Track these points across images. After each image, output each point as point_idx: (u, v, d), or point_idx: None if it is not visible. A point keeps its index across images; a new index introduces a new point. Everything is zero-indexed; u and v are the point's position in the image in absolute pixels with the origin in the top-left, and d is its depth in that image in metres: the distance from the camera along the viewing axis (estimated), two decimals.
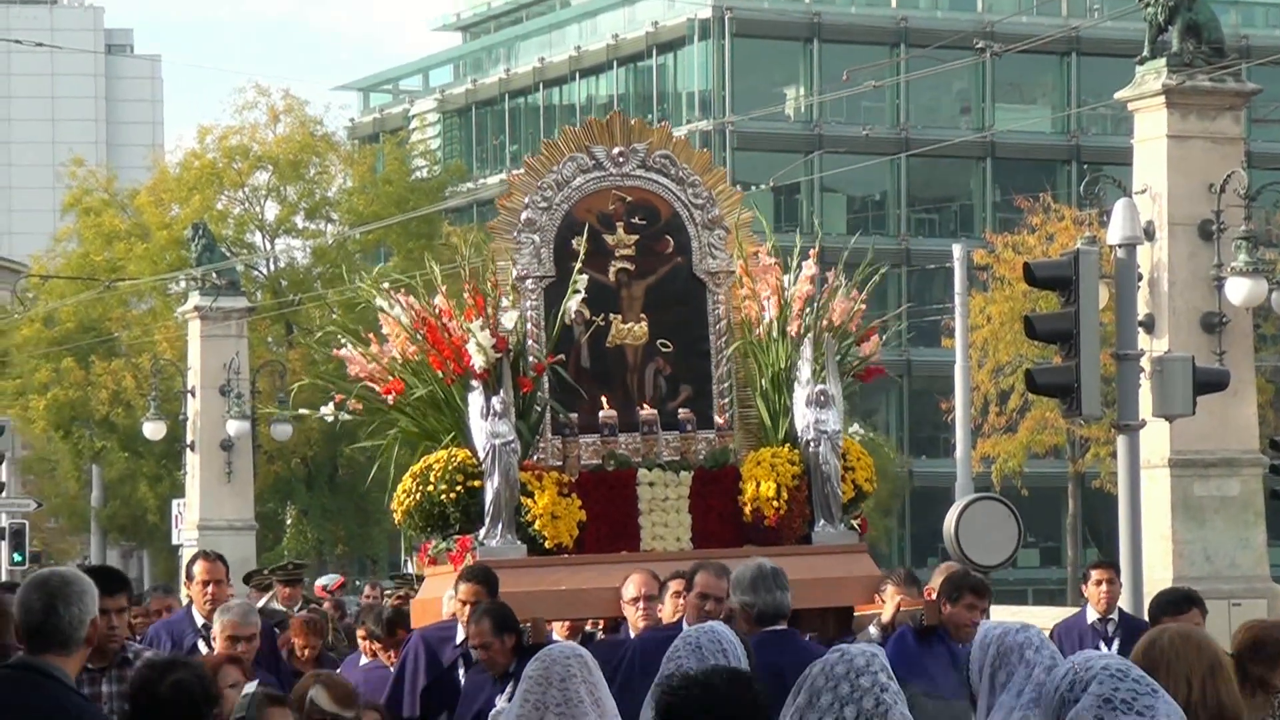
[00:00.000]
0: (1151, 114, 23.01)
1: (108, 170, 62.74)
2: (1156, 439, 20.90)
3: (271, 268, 55.13)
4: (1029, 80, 67.99)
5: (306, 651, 12.97)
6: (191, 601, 12.05)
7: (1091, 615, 13.80)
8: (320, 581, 20.83)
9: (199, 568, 12.01)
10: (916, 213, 66.43)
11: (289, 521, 53.75)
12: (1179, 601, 10.51)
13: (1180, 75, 22.67)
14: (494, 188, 67.75)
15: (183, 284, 45.58)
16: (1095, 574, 13.88)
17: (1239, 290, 22.34)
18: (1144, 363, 17.43)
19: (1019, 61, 57.24)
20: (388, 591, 20.00)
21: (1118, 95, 24.12)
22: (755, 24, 65.27)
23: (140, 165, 75.64)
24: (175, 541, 40.80)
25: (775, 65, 65.84)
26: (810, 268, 12.66)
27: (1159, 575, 20.00)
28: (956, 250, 36.81)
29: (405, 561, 40.12)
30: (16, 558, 39.88)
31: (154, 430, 42.90)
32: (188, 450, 38.75)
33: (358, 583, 50.08)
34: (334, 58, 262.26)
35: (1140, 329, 19.21)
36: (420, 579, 18.10)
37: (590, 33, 69.77)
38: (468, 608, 10.72)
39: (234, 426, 37.24)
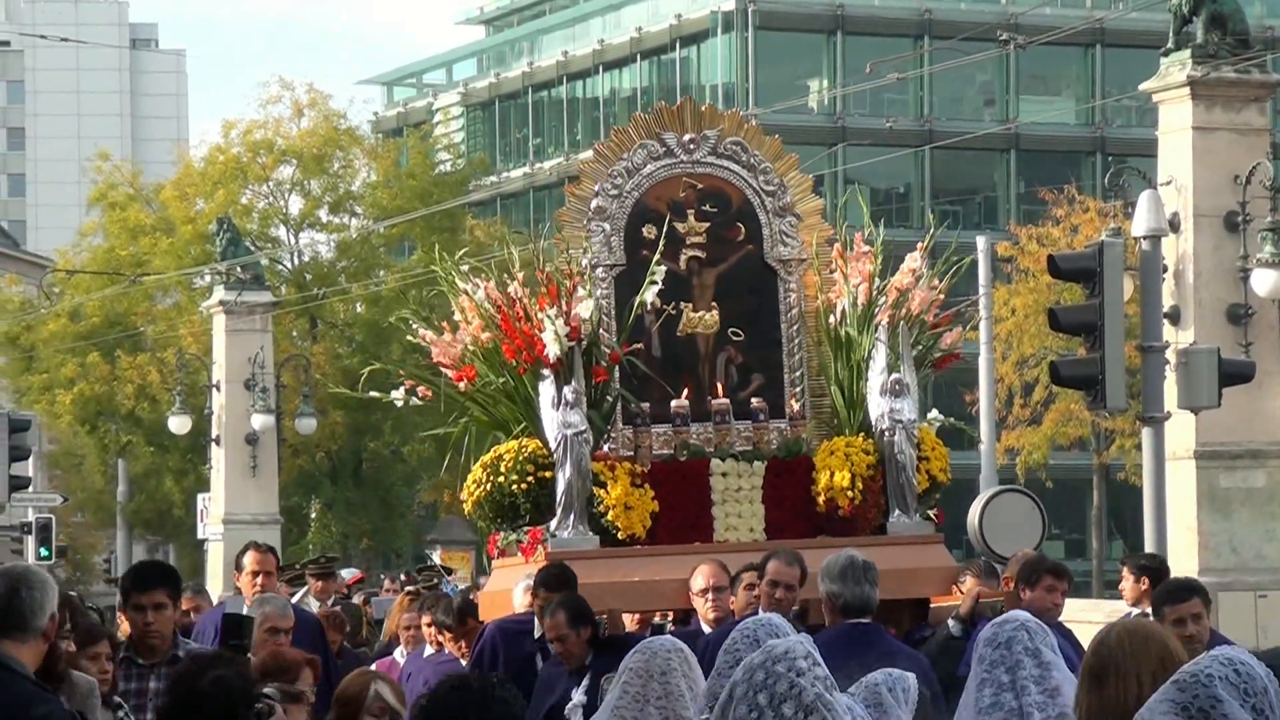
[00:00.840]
0: (1176, 105, 22.95)
1: (133, 165, 62.83)
2: (1182, 431, 20.86)
3: (296, 262, 55.17)
4: (1053, 72, 67.84)
5: (331, 645, 12.78)
6: (240, 592, 11.83)
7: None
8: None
9: (249, 558, 11.84)
10: (940, 205, 66.29)
11: (313, 516, 53.78)
12: (1178, 590, 10.38)
13: (1205, 67, 22.61)
14: (517, 181, 67.82)
15: (207, 278, 45.64)
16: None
17: (1265, 282, 22.27)
18: (1169, 355, 17.41)
19: (1043, 53, 57.14)
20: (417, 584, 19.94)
21: (1142, 87, 24.07)
22: (778, 16, 65.18)
23: (165, 160, 75.73)
24: (200, 536, 40.85)
25: (798, 58, 65.75)
26: (915, 259, 12.49)
27: (1185, 567, 19.94)
28: (980, 242, 36.73)
29: (428, 555, 40.17)
30: (43, 552, 39.94)
31: (179, 425, 42.96)
32: (213, 444, 38.80)
33: (381, 576, 50.17)
34: (358, 52, 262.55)
35: (1165, 321, 19.17)
36: (448, 570, 18.15)
37: (613, 26, 69.73)
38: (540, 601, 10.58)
39: (259, 421, 37.30)
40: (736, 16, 64.52)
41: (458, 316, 12.40)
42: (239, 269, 38.75)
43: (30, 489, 35.03)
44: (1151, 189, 19.98)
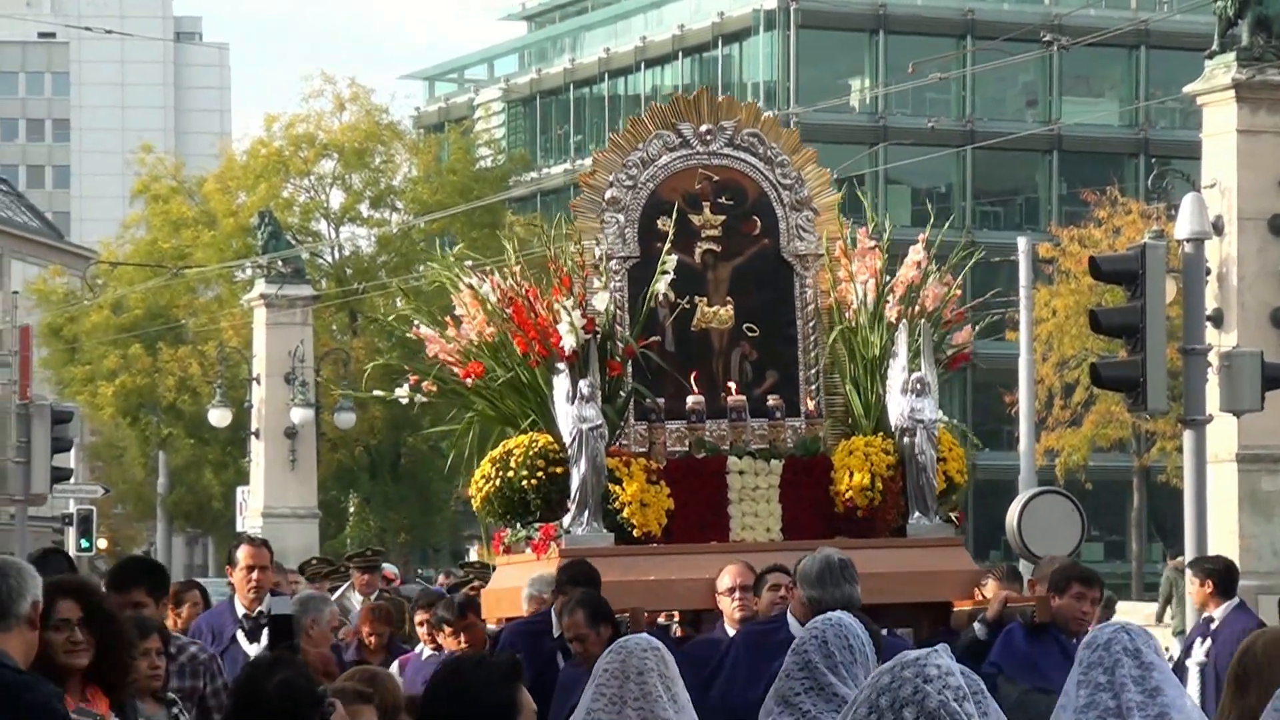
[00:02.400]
0: (1221, 108, 22.89)
1: (176, 157, 63.03)
2: (1224, 434, 20.78)
3: (336, 256, 55.30)
4: (1096, 73, 67.62)
5: (374, 639, 12.67)
6: (235, 592, 11.31)
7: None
8: None
9: (242, 552, 11.21)
10: (981, 205, 66.17)
11: (351, 510, 53.89)
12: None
13: (1250, 69, 22.55)
14: (558, 177, 67.80)
15: (248, 271, 45.76)
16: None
17: None
18: (1211, 357, 17.34)
19: (1086, 54, 56.93)
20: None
21: (1186, 89, 24.00)
22: (821, 15, 65.08)
23: (208, 153, 75.99)
24: (239, 529, 40.95)
25: (840, 56, 65.66)
26: (918, 253, 12.27)
27: None
28: (1022, 243, 36.67)
29: (467, 551, 40.21)
30: (84, 544, 40.07)
31: (219, 417, 43.07)
32: (252, 437, 38.88)
33: (419, 571, 50.24)
34: (400, 47, 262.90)
35: (1208, 324, 19.11)
36: (489, 567, 18.01)
37: (656, 23, 69.71)
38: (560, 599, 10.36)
39: (298, 414, 37.36)
40: (779, 14, 64.44)
41: (460, 311, 12.16)
42: (280, 263, 38.83)
43: (72, 480, 35.07)
44: (1195, 191, 19.91)
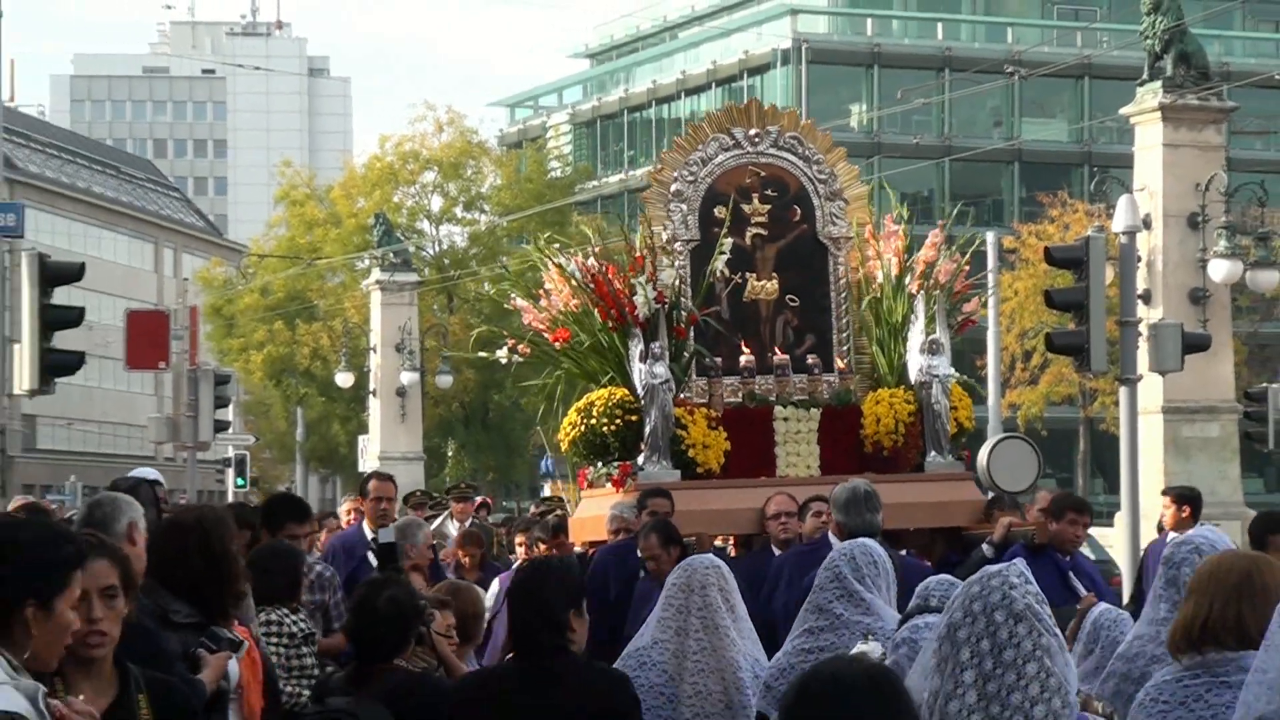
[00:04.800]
0: (1150, 126, 22.75)
1: (309, 170, 63.12)
2: (1152, 390, 20.67)
3: (436, 249, 55.33)
4: (1049, 98, 67.16)
5: (468, 560, 12.55)
6: (365, 517, 11.06)
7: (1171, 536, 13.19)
8: None
9: (372, 485, 10.97)
10: (957, 206, 65.89)
11: (450, 454, 54.00)
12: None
13: (1173, 95, 22.41)
14: (614, 185, 67.69)
15: (367, 262, 45.82)
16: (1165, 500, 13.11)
17: (1220, 270, 22.09)
18: (1142, 328, 17.20)
19: (1041, 83, 56.57)
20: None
21: (1122, 111, 23.86)
22: (826, 52, 64.83)
23: (334, 166, 76.04)
24: (361, 469, 41.10)
25: (843, 86, 65.38)
26: (937, 236, 12.15)
27: (1153, 502, 19.77)
28: (990, 237, 36.43)
29: (543, 487, 40.24)
30: (239, 482, 40.31)
31: (344, 380, 43.16)
32: (371, 396, 38.95)
33: (504, 504, 50.32)
34: (488, 80, 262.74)
35: (1139, 301, 18.98)
36: (562, 500, 17.97)
37: (694, 60, 69.49)
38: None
39: (406, 377, 37.42)
40: (793, 53, 64.23)
41: (549, 286, 12.05)
42: (392, 255, 38.86)
43: (229, 431, 35.26)
44: (1129, 194, 19.76)
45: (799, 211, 12.26)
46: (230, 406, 29.94)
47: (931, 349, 11.59)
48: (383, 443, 37.56)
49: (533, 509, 21.65)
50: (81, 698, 4.09)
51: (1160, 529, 13.01)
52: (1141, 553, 13.50)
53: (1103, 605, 6.56)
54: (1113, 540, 18.18)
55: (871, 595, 6.04)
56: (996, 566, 3.85)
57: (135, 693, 4.53)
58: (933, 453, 11.70)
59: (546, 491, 30.43)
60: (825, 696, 3.19)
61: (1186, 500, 12.30)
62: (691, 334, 11.84)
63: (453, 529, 15.87)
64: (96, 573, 4.52)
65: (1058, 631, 3.76)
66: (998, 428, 32.95)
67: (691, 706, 6.33)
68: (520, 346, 12.28)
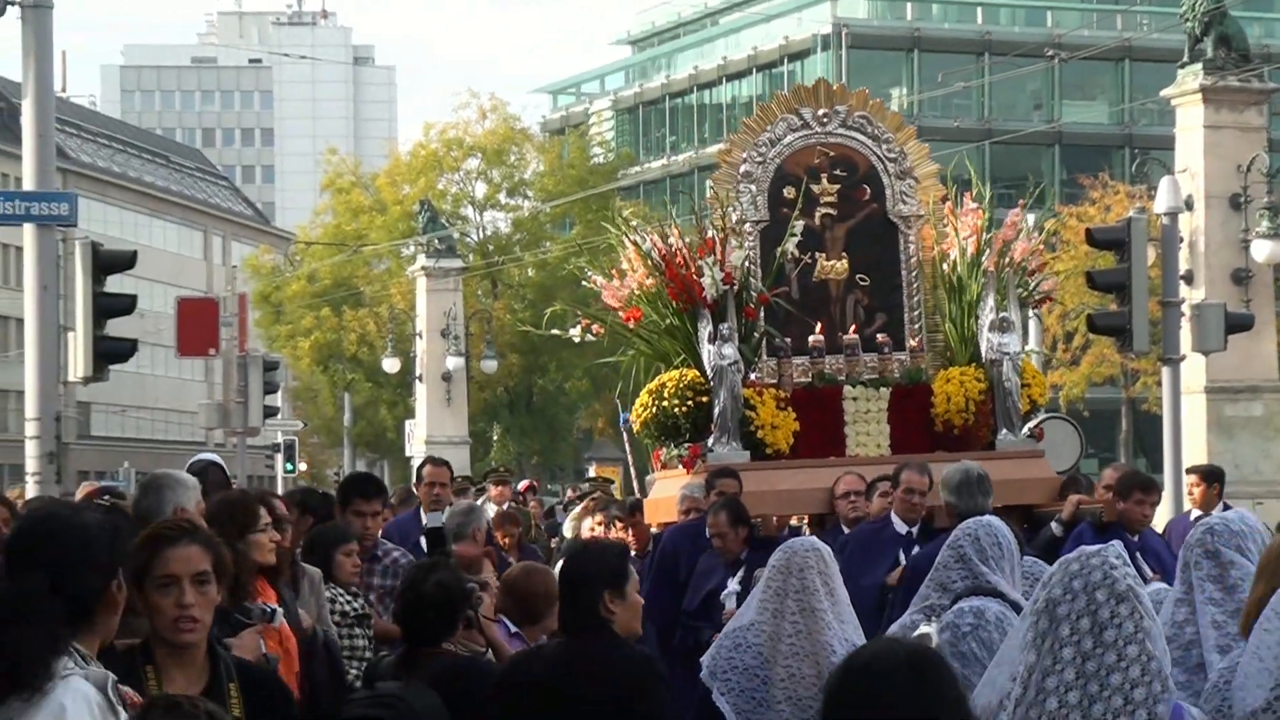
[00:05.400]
0: (1191, 108, 22.60)
1: (355, 158, 63.25)
2: (1195, 370, 20.56)
3: (480, 235, 55.39)
4: (1090, 81, 66.76)
5: (507, 540, 12.42)
6: (421, 503, 11.06)
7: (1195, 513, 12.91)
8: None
9: (425, 471, 11.06)
10: (998, 189, 65.46)
11: (495, 438, 54.09)
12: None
13: (1214, 77, 22.25)
14: (656, 170, 67.59)
15: (412, 248, 45.92)
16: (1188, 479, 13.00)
17: (1262, 250, 21.95)
18: (1185, 309, 17.10)
19: (1082, 66, 56.20)
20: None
21: (1163, 93, 23.70)
22: (867, 37, 64.54)
23: (379, 154, 76.20)
24: (407, 454, 41.19)
25: (883, 70, 65.09)
26: (1016, 215, 11.94)
27: None
28: (1030, 219, 36.24)
29: (586, 469, 40.27)
30: (288, 467, 40.42)
31: (391, 365, 43.27)
32: (417, 381, 39.00)
33: (549, 486, 50.39)
34: (531, 66, 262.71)
35: (1182, 281, 18.88)
36: (606, 482, 17.94)
37: (735, 45, 69.30)
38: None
39: (452, 362, 37.47)
40: (833, 38, 63.96)
41: (624, 265, 11.91)
42: (436, 241, 38.91)
43: (278, 416, 35.37)
44: (1170, 176, 19.66)
45: (868, 191, 12.08)
46: (279, 392, 30.06)
47: (1002, 326, 11.43)
48: (429, 427, 37.62)
49: (570, 492, 21.70)
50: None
51: (1181, 507, 12.88)
52: (1163, 530, 13.40)
53: (1155, 585, 6.46)
54: (1155, 519, 18.04)
55: (998, 576, 5.96)
56: (1094, 547, 3.82)
57: (226, 680, 4.53)
58: (1004, 430, 11.52)
59: (592, 472, 30.52)
60: (865, 678, 3.21)
61: (1215, 478, 12.20)
62: (761, 315, 11.69)
63: (491, 510, 15.87)
64: (188, 558, 4.49)
65: (1156, 616, 3.73)
66: (1039, 408, 32.80)
67: (784, 689, 6.26)
68: (595, 326, 12.17)
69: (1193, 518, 12.84)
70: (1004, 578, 5.98)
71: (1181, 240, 19.27)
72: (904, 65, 65.21)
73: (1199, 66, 22.39)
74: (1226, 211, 22.24)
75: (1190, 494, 12.80)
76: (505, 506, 15.79)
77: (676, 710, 5.94)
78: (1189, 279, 21.15)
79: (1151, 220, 19.91)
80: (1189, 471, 13.26)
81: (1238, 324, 17.39)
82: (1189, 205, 21.22)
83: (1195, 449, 20.80)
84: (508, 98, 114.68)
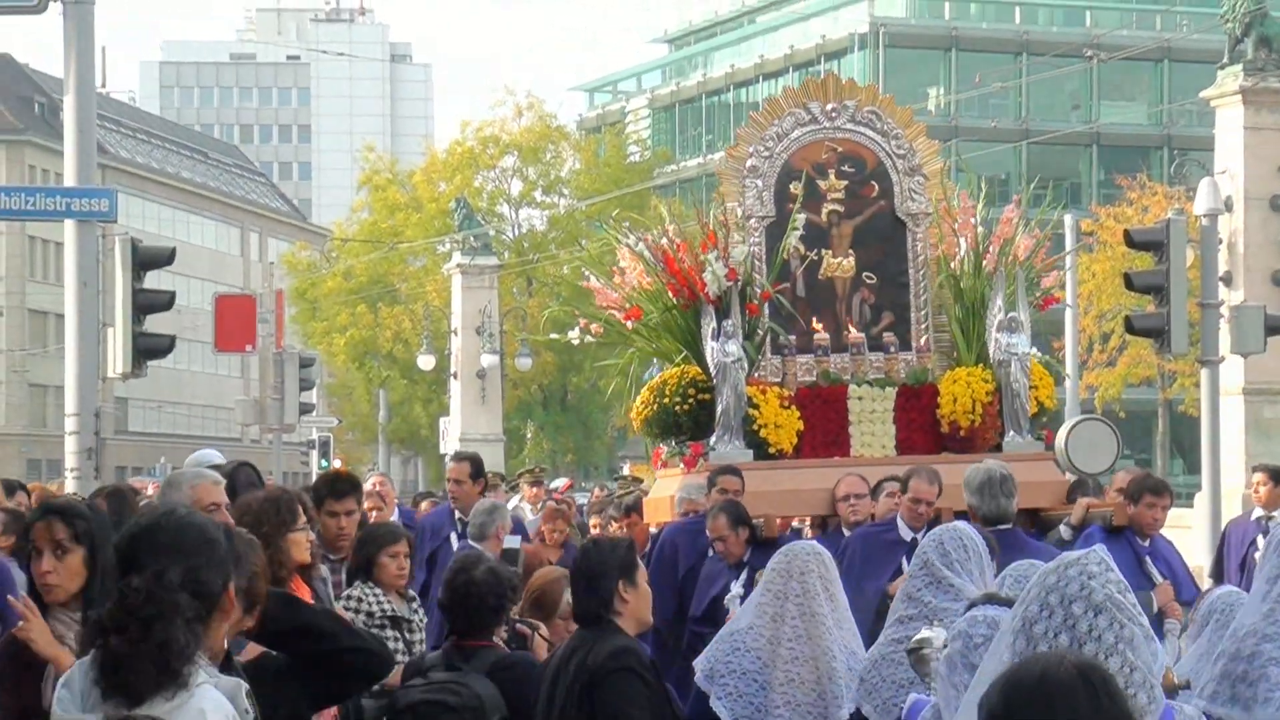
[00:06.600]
0: (1230, 109, 22.48)
1: (391, 155, 63.40)
2: (1233, 371, 20.44)
3: (516, 233, 55.46)
4: (1128, 81, 66.47)
5: (555, 535, 12.31)
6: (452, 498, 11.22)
7: (1258, 512, 12.70)
8: (552, 484, 20.66)
9: (448, 466, 11.10)
10: (1035, 189, 65.29)
11: (529, 435, 54.16)
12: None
13: (1254, 78, 22.14)
14: (692, 169, 67.56)
15: (448, 246, 46.00)
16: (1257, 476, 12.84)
17: None
18: (1223, 310, 17.01)
19: (1120, 66, 55.98)
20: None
21: (1202, 94, 23.58)
22: (904, 36, 64.40)
23: (416, 151, 76.36)
24: (442, 451, 41.28)
25: (920, 70, 64.93)
26: (1012, 211, 11.77)
27: (1233, 482, 19.55)
28: (1068, 220, 36.12)
29: (621, 468, 40.30)
30: (323, 463, 40.50)
31: (426, 362, 43.36)
32: (452, 378, 39.09)
33: (583, 484, 50.41)
34: (567, 64, 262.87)
35: (1221, 283, 18.78)
36: (636, 481, 17.90)
37: (771, 44, 69.24)
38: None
39: (487, 360, 37.53)
40: (870, 37, 63.85)
41: (623, 263, 11.85)
42: (472, 238, 38.98)
43: (314, 413, 35.48)
44: (1209, 177, 19.55)
45: (876, 187, 11.93)
46: (314, 389, 30.12)
47: (1010, 326, 11.26)
48: (463, 424, 37.69)
49: (595, 492, 21.67)
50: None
51: (1245, 506, 12.76)
52: (1223, 530, 13.28)
53: (1224, 587, 6.39)
54: (1191, 521, 17.95)
55: (962, 580, 5.91)
56: (1074, 554, 3.67)
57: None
58: (1011, 433, 11.37)
59: (626, 471, 30.52)
60: (1036, 696, 3.04)
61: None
62: (766, 311, 11.58)
63: (526, 510, 15.85)
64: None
65: (1142, 619, 3.60)
66: (1076, 410, 32.67)
67: (783, 693, 6.24)
68: (593, 327, 12.09)
69: (1254, 516, 12.72)
70: (969, 580, 5.92)
71: (1220, 242, 19.17)
72: (941, 65, 65.04)
73: (1239, 68, 22.27)
74: (1266, 213, 22.12)
75: (1256, 493, 12.66)
76: (539, 507, 15.74)
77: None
78: (1228, 280, 21.04)
79: (1190, 222, 19.81)
80: (1256, 470, 13.12)
81: (1277, 326, 17.27)
82: (1228, 206, 21.10)
83: (1233, 451, 20.68)
84: (544, 95, 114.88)
